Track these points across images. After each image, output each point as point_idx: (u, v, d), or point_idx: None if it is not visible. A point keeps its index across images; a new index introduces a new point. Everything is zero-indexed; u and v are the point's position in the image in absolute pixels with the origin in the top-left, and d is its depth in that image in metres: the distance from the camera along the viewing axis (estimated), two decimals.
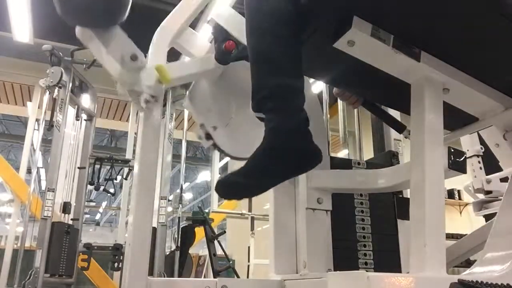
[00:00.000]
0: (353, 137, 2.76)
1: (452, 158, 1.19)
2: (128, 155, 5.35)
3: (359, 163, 1.81)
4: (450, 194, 6.52)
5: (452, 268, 1.77)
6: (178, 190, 4.75)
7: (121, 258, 3.90)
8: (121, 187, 5.28)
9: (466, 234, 1.73)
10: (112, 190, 4.56)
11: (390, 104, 1.63)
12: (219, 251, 4.04)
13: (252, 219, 4.90)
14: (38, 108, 5.33)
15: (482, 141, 2.53)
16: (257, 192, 1.06)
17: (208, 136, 1.24)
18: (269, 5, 1.06)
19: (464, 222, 6.36)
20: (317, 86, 2.58)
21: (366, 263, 1.64)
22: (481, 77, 1.23)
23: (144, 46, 1.11)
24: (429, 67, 1.14)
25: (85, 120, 4.30)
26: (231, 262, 4.27)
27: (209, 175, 11.61)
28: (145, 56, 1.10)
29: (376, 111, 1.59)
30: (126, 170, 4.57)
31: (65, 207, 3.77)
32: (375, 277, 0.82)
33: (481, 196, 2.63)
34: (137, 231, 1.02)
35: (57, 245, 3.43)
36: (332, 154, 2.00)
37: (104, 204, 14.29)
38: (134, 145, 4.79)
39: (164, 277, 3.52)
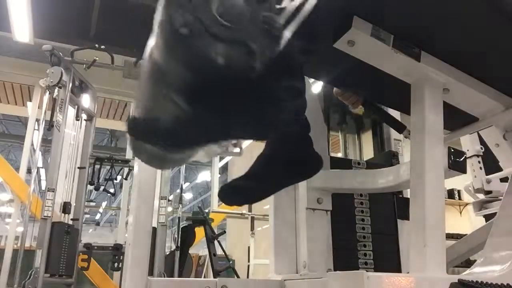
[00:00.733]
0: (353, 137, 2.76)
1: (452, 158, 1.19)
2: (128, 155, 5.35)
3: (359, 163, 1.81)
4: (450, 194, 6.53)
5: (452, 268, 1.77)
6: (178, 190, 4.76)
7: (121, 258, 3.91)
8: (121, 187, 5.29)
9: (466, 234, 1.73)
10: (112, 190, 4.57)
11: (390, 104, 1.63)
12: (219, 251, 4.04)
13: (252, 219, 4.91)
14: (38, 108, 5.33)
15: (482, 141, 2.53)
16: (259, 198, 1.07)
17: None
18: None
19: (464, 222, 6.36)
20: (317, 86, 2.58)
21: (366, 263, 1.64)
22: (481, 77, 1.23)
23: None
24: (429, 67, 1.14)
25: (85, 120, 4.30)
26: (231, 262, 4.27)
27: (209, 175, 11.61)
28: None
29: (376, 111, 1.59)
30: (126, 170, 4.57)
31: (65, 207, 3.77)
32: (375, 277, 0.82)
33: (481, 196, 2.63)
34: (137, 231, 1.02)
35: (57, 245, 3.43)
36: (332, 154, 2.00)
37: (104, 204, 14.29)
38: None
39: (164, 277, 3.52)
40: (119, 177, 4.80)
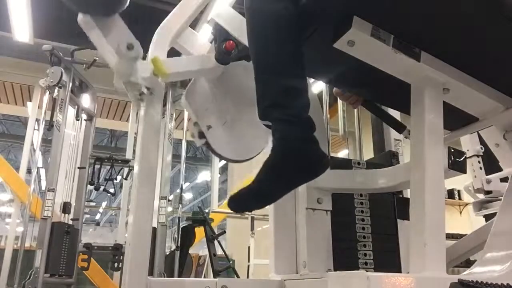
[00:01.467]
0: (353, 137, 2.76)
1: (452, 158, 1.19)
2: (128, 155, 5.35)
3: (359, 163, 1.81)
4: (450, 194, 6.53)
5: (452, 268, 1.77)
6: (178, 190, 4.76)
7: (121, 258, 3.91)
8: (121, 187, 5.28)
9: (466, 234, 1.73)
10: (112, 190, 4.56)
11: (390, 104, 1.63)
12: (219, 251, 4.04)
13: (252, 219, 4.91)
14: (38, 108, 5.33)
15: (482, 141, 2.53)
16: (268, 202, 1.07)
17: (201, 135, 1.24)
18: (270, 7, 1.05)
19: (464, 222, 6.36)
20: (317, 86, 2.58)
21: (366, 263, 1.64)
22: (481, 77, 1.23)
23: (144, 46, 1.11)
24: (429, 67, 1.14)
25: (85, 120, 4.29)
26: (231, 262, 4.27)
27: (209, 175, 11.61)
28: (145, 56, 1.10)
29: (376, 111, 1.59)
30: (126, 170, 4.57)
31: (65, 207, 3.77)
32: (375, 277, 0.82)
33: (481, 196, 2.63)
34: (137, 231, 1.02)
35: (57, 245, 3.43)
36: (332, 154, 2.00)
37: (104, 204, 14.29)
38: (134, 145, 4.79)
39: (164, 277, 3.52)
40: (119, 177, 4.80)
